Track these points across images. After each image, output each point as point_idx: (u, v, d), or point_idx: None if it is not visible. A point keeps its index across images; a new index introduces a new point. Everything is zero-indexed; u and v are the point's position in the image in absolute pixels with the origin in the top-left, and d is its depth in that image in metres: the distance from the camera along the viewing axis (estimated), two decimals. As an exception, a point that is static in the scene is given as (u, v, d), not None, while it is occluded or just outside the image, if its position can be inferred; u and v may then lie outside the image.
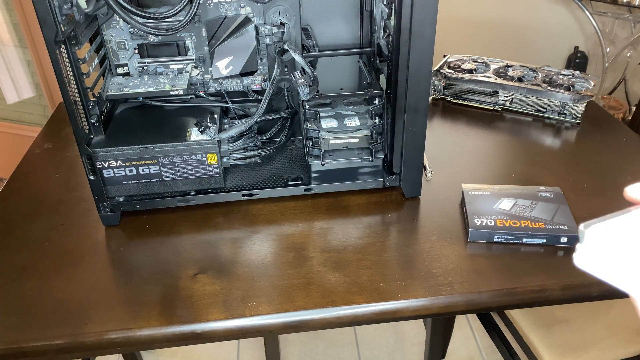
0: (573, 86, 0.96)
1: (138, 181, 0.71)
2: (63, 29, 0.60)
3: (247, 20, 0.74)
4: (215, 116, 0.75)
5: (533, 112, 0.98)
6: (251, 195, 0.75)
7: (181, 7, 0.63)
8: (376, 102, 0.72)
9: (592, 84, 0.97)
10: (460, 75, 1.01)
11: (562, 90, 0.95)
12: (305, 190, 0.76)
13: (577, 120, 0.95)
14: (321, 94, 0.71)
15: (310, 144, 0.73)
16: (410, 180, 0.76)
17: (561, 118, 0.96)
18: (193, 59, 0.77)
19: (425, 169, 0.82)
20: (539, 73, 1.01)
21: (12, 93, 1.97)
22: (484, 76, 1.00)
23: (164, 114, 0.77)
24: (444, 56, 1.09)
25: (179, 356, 1.42)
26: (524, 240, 0.67)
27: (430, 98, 1.04)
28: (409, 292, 0.61)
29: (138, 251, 0.69)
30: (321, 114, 0.73)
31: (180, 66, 0.77)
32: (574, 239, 0.66)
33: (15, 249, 0.70)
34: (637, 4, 1.70)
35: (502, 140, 0.92)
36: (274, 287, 0.62)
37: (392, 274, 0.64)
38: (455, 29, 1.97)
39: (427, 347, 1.32)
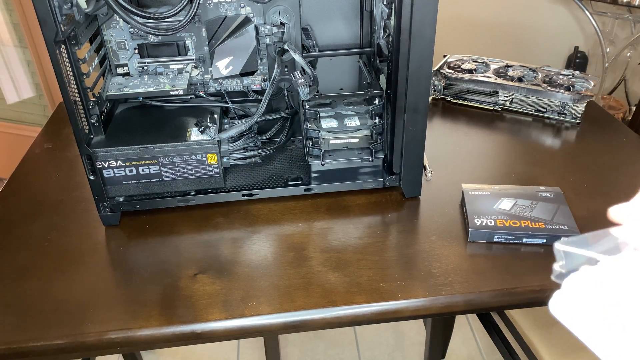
0: (573, 86, 0.96)
1: (138, 181, 0.71)
2: (63, 29, 0.60)
3: (247, 20, 0.74)
4: (215, 116, 0.75)
5: (533, 112, 0.98)
6: (251, 195, 0.75)
7: (181, 7, 0.63)
8: (376, 102, 0.72)
9: (592, 84, 0.97)
10: (460, 75, 1.01)
11: (562, 90, 0.95)
12: (305, 190, 0.76)
13: (577, 120, 0.95)
14: (321, 94, 0.71)
15: (310, 144, 0.73)
16: (410, 180, 0.76)
17: (561, 118, 0.96)
18: (193, 59, 0.77)
19: (425, 169, 0.82)
20: (539, 73, 1.01)
21: (12, 93, 1.97)
22: (484, 76, 1.00)
23: (164, 114, 0.77)
24: (444, 56, 1.09)
25: (179, 356, 1.42)
26: (524, 240, 0.67)
27: (430, 98, 1.04)
28: (409, 292, 0.61)
29: (138, 251, 0.69)
30: (321, 114, 0.73)
31: (180, 66, 0.77)
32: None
33: (15, 249, 0.70)
34: (637, 4, 1.70)
35: (502, 140, 0.92)
36: (274, 287, 0.62)
37: (392, 274, 0.64)
38: (455, 29, 1.97)
39: (427, 347, 1.32)
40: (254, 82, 0.80)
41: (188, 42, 0.76)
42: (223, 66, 0.76)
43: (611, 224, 0.31)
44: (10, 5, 1.73)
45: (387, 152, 0.75)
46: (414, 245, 0.68)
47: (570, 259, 0.29)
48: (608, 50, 1.89)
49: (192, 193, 0.74)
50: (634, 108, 1.84)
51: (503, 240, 0.68)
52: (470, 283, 0.62)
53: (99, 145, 0.69)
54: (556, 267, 0.29)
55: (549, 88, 0.96)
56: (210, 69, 0.77)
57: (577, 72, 1.00)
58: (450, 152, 0.88)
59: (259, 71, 0.79)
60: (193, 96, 0.79)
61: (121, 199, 0.72)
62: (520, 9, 1.96)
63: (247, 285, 0.63)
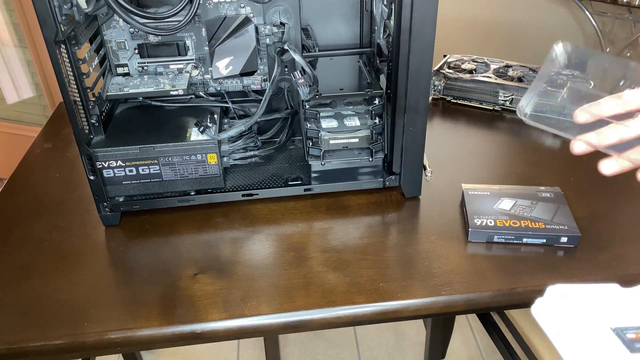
0: (573, 86, 0.96)
1: (138, 181, 0.71)
2: (63, 29, 0.60)
3: (247, 20, 0.74)
4: (215, 116, 0.75)
5: (533, 112, 0.98)
6: (251, 195, 0.75)
7: (181, 7, 0.63)
8: (376, 102, 0.72)
9: (592, 84, 0.97)
10: (460, 75, 1.01)
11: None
12: (305, 190, 0.76)
13: (577, 120, 0.95)
14: (321, 94, 0.71)
15: (310, 144, 0.73)
16: (410, 180, 0.76)
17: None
18: (193, 59, 0.77)
19: (425, 169, 0.82)
20: (539, 73, 1.01)
21: (12, 93, 1.97)
22: (484, 76, 1.01)
23: (164, 114, 0.77)
24: (444, 56, 1.09)
25: (179, 356, 1.42)
26: (524, 240, 0.67)
27: (430, 98, 1.04)
28: (409, 292, 0.61)
29: (138, 251, 0.69)
30: (321, 114, 0.73)
31: (180, 66, 0.77)
32: (574, 239, 0.66)
33: (15, 249, 0.70)
34: (637, 4, 1.70)
35: (502, 140, 0.92)
36: (274, 287, 0.62)
37: (392, 274, 0.64)
38: (455, 29, 1.96)
39: (427, 347, 1.32)
40: (254, 82, 0.80)
41: (188, 42, 0.76)
42: (223, 66, 0.76)
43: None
44: (10, 5, 1.73)
45: (387, 152, 0.75)
46: (414, 245, 0.68)
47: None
48: (608, 50, 1.89)
49: (192, 193, 0.74)
50: (634, 108, 1.84)
51: (503, 240, 0.68)
52: (470, 283, 0.62)
53: (99, 145, 0.69)
54: (539, 300, 0.32)
55: (549, 88, 0.95)
56: (210, 69, 0.77)
57: (577, 72, 1.00)
58: (450, 152, 0.88)
59: (259, 71, 0.79)
60: (193, 96, 0.79)
61: (121, 199, 0.72)
62: (520, 9, 1.96)
63: (247, 285, 0.63)
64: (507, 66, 1.04)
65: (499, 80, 0.99)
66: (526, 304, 0.65)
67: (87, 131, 0.69)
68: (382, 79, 0.75)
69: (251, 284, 0.63)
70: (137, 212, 0.74)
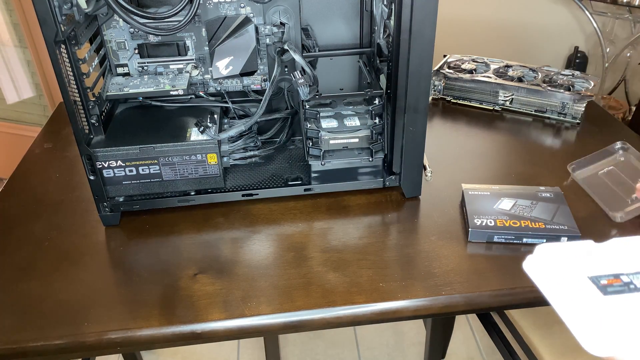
0: (573, 86, 0.96)
1: (138, 181, 0.71)
2: (63, 29, 0.60)
3: (247, 20, 0.74)
4: (215, 116, 0.75)
5: (533, 112, 0.98)
6: (251, 195, 0.75)
7: (181, 7, 0.63)
8: (376, 102, 0.72)
9: (592, 84, 0.97)
10: (460, 75, 1.01)
11: (562, 90, 0.95)
12: (305, 190, 0.76)
13: (577, 120, 0.95)
14: (321, 94, 0.71)
15: (310, 144, 0.73)
16: (410, 180, 0.76)
17: (561, 118, 0.96)
18: (193, 59, 0.77)
19: (425, 169, 0.82)
20: (539, 73, 1.01)
21: (12, 93, 1.97)
22: (484, 76, 1.01)
23: (164, 114, 0.77)
24: (444, 56, 1.09)
25: (179, 356, 1.42)
26: (524, 240, 0.67)
27: (430, 98, 1.04)
28: (409, 292, 0.61)
29: (138, 251, 0.69)
30: (321, 114, 0.73)
31: (180, 66, 0.77)
32: (574, 239, 0.66)
33: (15, 249, 0.70)
34: (637, 4, 1.70)
35: (502, 140, 0.92)
36: (274, 287, 0.62)
37: (392, 274, 0.64)
38: (455, 29, 1.96)
39: (427, 347, 1.32)
40: (254, 82, 0.80)
41: (188, 42, 0.76)
42: (223, 66, 0.76)
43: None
44: (10, 5, 1.73)
45: (387, 152, 0.75)
46: (414, 245, 0.68)
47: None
48: (608, 50, 1.89)
49: (192, 193, 0.74)
50: (634, 108, 1.84)
51: (503, 240, 0.68)
52: (470, 283, 0.62)
53: (99, 145, 0.69)
54: (529, 257, 0.39)
55: (549, 88, 0.96)
56: (210, 69, 0.77)
57: (577, 72, 1.00)
58: (450, 152, 0.88)
59: (259, 71, 0.79)
60: (193, 96, 0.79)
61: (121, 199, 0.72)
62: (520, 9, 1.96)
63: (247, 285, 0.63)
64: (507, 66, 1.04)
65: (499, 80, 0.99)
66: (526, 304, 0.65)
67: (87, 131, 0.69)
68: (382, 79, 0.75)
69: (251, 284, 0.63)
70: (137, 212, 0.74)
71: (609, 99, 1.97)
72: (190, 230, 0.72)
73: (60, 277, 0.65)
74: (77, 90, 0.65)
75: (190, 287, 0.63)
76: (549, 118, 0.97)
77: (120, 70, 0.77)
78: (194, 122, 0.74)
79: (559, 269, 0.37)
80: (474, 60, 1.07)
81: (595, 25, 1.86)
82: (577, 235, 0.66)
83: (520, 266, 0.64)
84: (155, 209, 0.74)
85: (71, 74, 0.63)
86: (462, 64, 1.06)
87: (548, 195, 0.73)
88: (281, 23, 0.75)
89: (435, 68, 1.04)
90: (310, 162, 0.74)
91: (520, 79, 0.99)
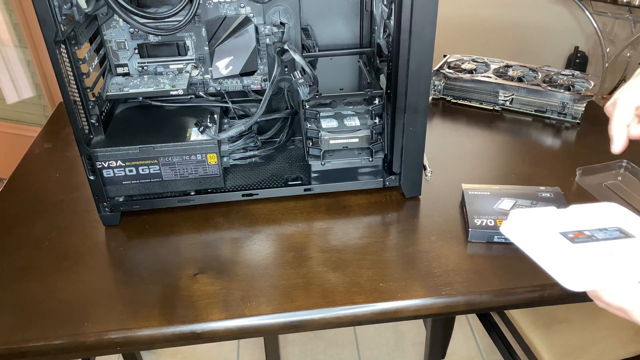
0: (573, 86, 0.96)
1: (138, 181, 0.71)
2: (63, 29, 0.60)
3: (247, 20, 0.74)
4: (215, 116, 0.75)
5: (533, 112, 0.98)
6: (251, 195, 0.75)
7: (181, 7, 0.63)
8: (376, 102, 0.72)
9: (592, 84, 0.97)
10: (460, 75, 1.01)
11: (562, 90, 0.95)
12: (305, 190, 0.76)
13: (577, 120, 0.95)
14: (321, 94, 0.71)
15: (310, 144, 0.73)
16: (410, 180, 0.76)
17: (561, 118, 0.96)
18: (193, 59, 0.77)
19: (425, 169, 0.82)
20: (539, 73, 1.01)
21: (12, 93, 1.97)
22: (484, 76, 1.00)
23: (164, 114, 0.77)
24: (444, 56, 1.09)
25: (179, 356, 1.42)
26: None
27: (430, 98, 1.04)
28: (409, 292, 0.61)
29: (138, 251, 0.69)
30: (321, 114, 0.73)
31: (180, 66, 0.77)
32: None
33: (15, 249, 0.70)
34: (637, 4, 1.70)
35: (502, 140, 0.92)
36: (274, 287, 0.62)
37: (392, 274, 0.64)
38: (455, 29, 1.97)
39: (427, 347, 1.32)
40: (254, 82, 0.80)
41: (188, 42, 0.76)
42: (223, 66, 0.76)
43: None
44: (10, 5, 1.73)
45: (387, 152, 0.75)
46: (414, 245, 0.68)
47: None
48: (608, 50, 1.89)
49: (192, 193, 0.74)
50: (634, 108, 1.84)
51: (503, 240, 0.68)
52: (470, 283, 0.62)
53: (99, 145, 0.69)
54: (504, 222, 0.47)
55: (549, 88, 0.96)
56: (210, 69, 0.77)
57: (577, 72, 1.00)
58: (450, 152, 0.88)
59: (259, 71, 0.79)
60: (193, 96, 0.79)
61: (121, 199, 0.72)
62: (520, 9, 1.96)
63: (247, 285, 0.63)
64: (507, 66, 1.04)
65: (499, 80, 0.99)
66: (526, 304, 0.65)
67: (87, 131, 0.69)
68: (382, 79, 0.75)
69: (251, 284, 0.63)
70: (137, 212, 0.74)
71: (609, 99, 1.96)
72: (190, 230, 0.72)
73: (60, 277, 0.65)
74: (77, 90, 0.65)
75: (190, 287, 0.63)
76: (549, 118, 0.97)
77: (120, 70, 0.77)
78: (194, 122, 0.74)
79: (534, 228, 0.44)
80: (474, 60, 1.07)
81: (595, 25, 1.86)
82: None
83: (521, 266, 0.65)
84: (155, 209, 0.74)
85: (71, 74, 0.63)
86: (462, 64, 1.06)
87: (548, 195, 0.73)
88: (281, 23, 0.75)
89: (435, 68, 1.04)
90: (310, 162, 0.74)
91: (520, 79, 0.99)
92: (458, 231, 0.70)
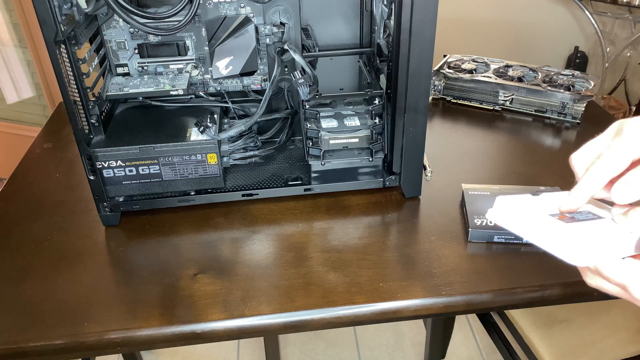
0: (573, 86, 0.96)
1: (138, 181, 0.71)
2: (63, 29, 0.60)
3: (247, 20, 0.74)
4: (215, 116, 0.75)
5: (533, 112, 0.98)
6: (251, 195, 0.75)
7: (181, 7, 0.63)
8: (376, 102, 0.72)
9: (592, 84, 0.97)
10: (460, 75, 1.01)
11: (562, 90, 0.95)
12: (305, 190, 0.76)
13: (577, 120, 0.95)
14: (321, 94, 0.71)
15: (310, 144, 0.73)
16: (410, 180, 0.76)
17: (561, 118, 0.96)
18: (193, 59, 0.77)
19: (425, 169, 0.82)
20: (539, 73, 1.01)
21: (12, 93, 1.97)
22: (484, 76, 1.01)
23: (164, 114, 0.77)
24: (444, 56, 1.09)
25: (179, 356, 1.42)
26: (524, 240, 0.67)
27: (430, 98, 1.04)
28: (409, 292, 0.61)
29: (138, 251, 0.69)
30: (321, 114, 0.73)
31: (180, 66, 0.77)
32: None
33: (15, 249, 0.70)
34: (637, 4, 1.70)
35: (502, 140, 0.92)
36: (274, 287, 0.62)
37: (392, 274, 0.64)
38: (455, 29, 1.97)
39: (427, 347, 1.32)
40: (254, 82, 0.80)
41: (188, 42, 0.76)
42: (223, 66, 0.76)
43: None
44: (10, 5, 1.73)
45: (387, 152, 0.75)
46: (414, 245, 0.68)
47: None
48: (608, 50, 1.89)
49: (192, 193, 0.74)
50: (634, 108, 1.84)
51: (503, 240, 0.68)
52: (470, 283, 0.62)
53: (99, 145, 0.69)
54: (490, 210, 0.49)
55: (549, 88, 0.96)
56: (210, 69, 0.77)
57: (577, 72, 1.00)
58: (450, 152, 0.88)
59: (259, 71, 0.79)
60: (193, 96, 0.79)
61: (121, 199, 0.72)
62: (520, 9, 1.96)
63: (247, 285, 0.63)
64: (507, 66, 1.04)
65: (499, 80, 0.99)
66: (526, 304, 0.65)
67: (87, 131, 0.69)
68: (382, 79, 0.75)
69: (251, 284, 0.63)
70: (137, 212, 0.74)
71: (609, 99, 1.97)
72: (190, 230, 0.72)
73: (60, 277, 0.65)
74: (77, 90, 0.65)
75: (190, 287, 0.63)
76: (549, 118, 0.97)
77: (120, 70, 0.77)
78: (194, 122, 0.74)
79: (522, 213, 0.46)
80: (474, 60, 1.07)
81: (595, 25, 1.86)
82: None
83: (520, 266, 0.65)
84: (155, 209, 0.74)
85: (71, 74, 0.63)
86: (462, 64, 1.06)
87: (548, 195, 0.72)
88: (281, 23, 0.75)
89: (435, 68, 1.04)
90: (310, 162, 0.74)
91: (520, 79, 0.99)
92: (458, 231, 0.70)
